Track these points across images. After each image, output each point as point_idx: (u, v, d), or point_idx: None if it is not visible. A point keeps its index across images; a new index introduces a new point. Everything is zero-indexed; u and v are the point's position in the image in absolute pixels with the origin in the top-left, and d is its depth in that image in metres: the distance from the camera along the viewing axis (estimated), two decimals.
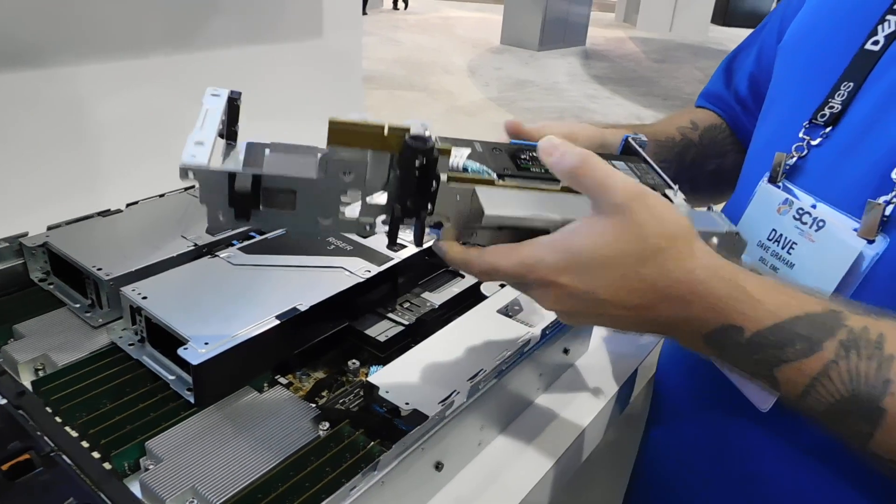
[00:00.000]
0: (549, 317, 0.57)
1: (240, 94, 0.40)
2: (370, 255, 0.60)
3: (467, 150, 0.42)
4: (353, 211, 0.37)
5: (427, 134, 0.35)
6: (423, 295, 0.64)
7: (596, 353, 0.65)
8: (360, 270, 0.57)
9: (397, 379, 0.50)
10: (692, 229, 0.38)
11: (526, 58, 6.75)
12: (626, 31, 9.08)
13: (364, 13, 8.63)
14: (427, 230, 0.40)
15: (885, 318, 0.37)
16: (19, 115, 0.70)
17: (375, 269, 0.58)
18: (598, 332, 0.67)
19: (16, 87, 0.69)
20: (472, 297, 0.65)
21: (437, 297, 0.63)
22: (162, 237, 0.60)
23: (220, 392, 0.48)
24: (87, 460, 0.40)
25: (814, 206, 0.48)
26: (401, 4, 10.13)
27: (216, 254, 0.58)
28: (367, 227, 0.38)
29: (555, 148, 0.38)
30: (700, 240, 0.38)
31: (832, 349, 0.36)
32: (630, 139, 0.53)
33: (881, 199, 0.42)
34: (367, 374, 0.54)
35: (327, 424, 0.47)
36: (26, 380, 0.48)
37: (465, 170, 0.40)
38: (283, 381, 0.53)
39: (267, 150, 0.36)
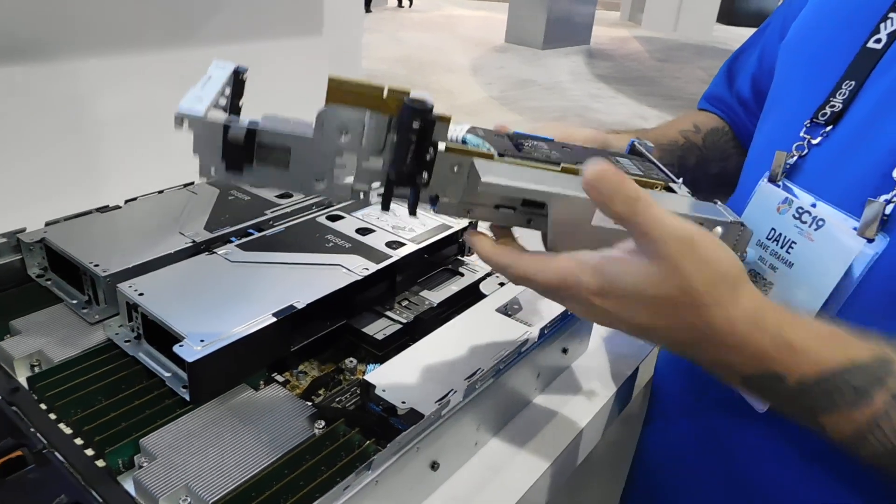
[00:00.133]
0: (548, 316, 0.57)
1: (246, 69, 0.40)
2: (368, 253, 0.60)
3: (467, 126, 0.41)
4: (348, 177, 0.37)
5: (428, 99, 0.35)
6: (421, 293, 0.64)
7: (595, 354, 0.65)
8: (357, 268, 0.57)
9: (394, 377, 0.50)
10: (739, 274, 0.36)
11: (529, 56, 6.73)
12: (630, 31, 9.06)
13: (368, 10, 8.63)
14: (428, 207, 0.39)
15: None
16: (19, 109, 0.70)
17: (373, 267, 0.58)
18: (598, 333, 0.66)
19: (16, 82, 0.69)
20: (471, 296, 0.65)
21: (435, 296, 0.63)
22: (160, 234, 0.60)
23: (216, 389, 0.48)
24: (79, 458, 0.40)
25: (813, 206, 0.47)
26: (405, 2, 10.12)
27: (214, 251, 0.58)
28: (361, 195, 0.37)
29: (605, 182, 0.35)
30: (747, 284, 0.37)
31: (881, 400, 0.35)
32: (636, 143, 0.53)
33: (881, 198, 0.42)
34: (364, 373, 0.54)
35: (323, 423, 0.47)
36: (22, 376, 0.48)
37: (463, 142, 0.40)
38: (279, 378, 0.53)
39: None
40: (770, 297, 0.50)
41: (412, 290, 0.64)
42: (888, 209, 0.42)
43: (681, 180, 0.47)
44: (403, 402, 0.47)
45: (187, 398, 0.47)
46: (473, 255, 0.72)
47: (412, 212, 0.39)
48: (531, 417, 0.56)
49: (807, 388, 0.36)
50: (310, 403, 0.49)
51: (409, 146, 0.35)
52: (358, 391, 0.51)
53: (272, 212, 0.67)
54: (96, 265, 0.53)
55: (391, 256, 0.60)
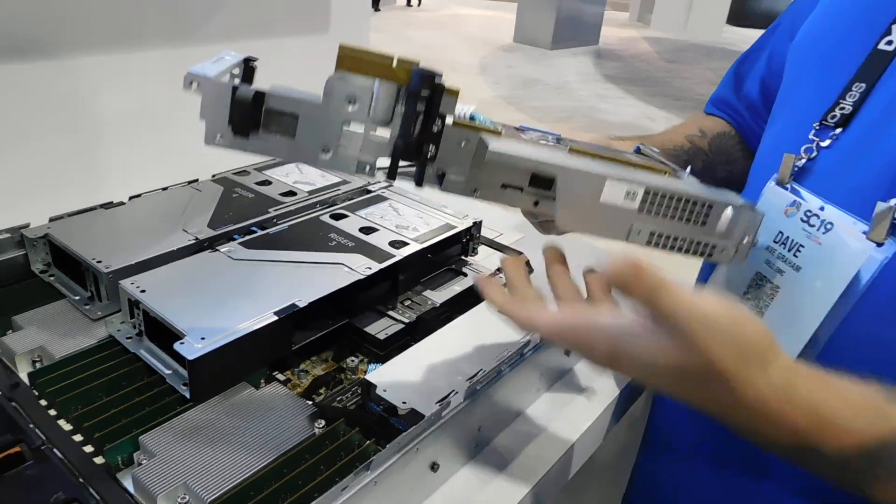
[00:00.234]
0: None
1: (256, 58, 0.39)
2: (371, 252, 0.60)
3: (474, 106, 0.41)
4: (354, 149, 0.36)
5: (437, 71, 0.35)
6: (424, 293, 0.63)
7: None
8: (360, 267, 0.57)
9: (395, 377, 0.49)
10: (769, 347, 0.34)
11: (538, 56, 6.72)
12: (639, 31, 9.02)
13: (377, 9, 8.63)
14: (435, 186, 0.39)
15: None
16: (25, 106, 0.70)
17: (376, 267, 0.58)
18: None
19: (22, 79, 0.69)
20: (473, 297, 0.64)
21: (438, 296, 0.63)
22: (163, 230, 0.60)
23: (216, 387, 0.48)
24: (77, 455, 0.40)
25: (822, 209, 0.47)
26: (413, 1, 10.12)
27: (217, 248, 0.58)
28: (367, 168, 0.36)
29: (626, 270, 0.33)
30: (778, 356, 0.34)
31: None
32: (641, 148, 0.52)
33: (892, 202, 0.41)
34: (365, 372, 0.54)
35: (323, 422, 0.47)
36: (23, 371, 0.48)
37: (472, 118, 0.39)
38: (280, 377, 0.52)
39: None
40: (777, 302, 0.49)
41: (415, 289, 0.63)
42: None
43: (688, 169, 0.47)
44: (404, 403, 0.47)
45: (187, 396, 0.47)
46: (477, 255, 0.71)
47: (419, 183, 0.38)
48: (533, 419, 0.55)
49: (848, 460, 0.35)
50: (310, 402, 0.49)
51: (418, 115, 0.35)
52: (359, 391, 0.51)
53: (276, 210, 0.67)
54: (99, 261, 0.53)
55: (394, 256, 0.60)
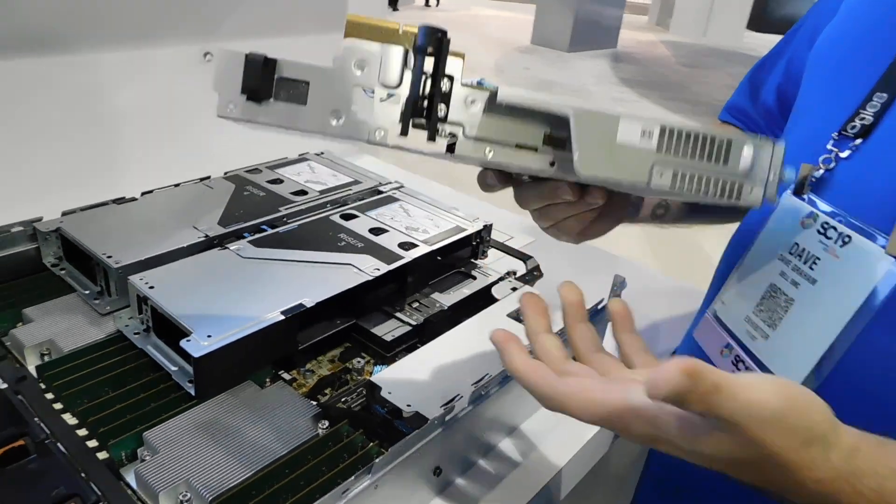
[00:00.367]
0: (560, 324, 0.56)
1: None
2: (380, 254, 0.59)
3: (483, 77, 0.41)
4: (365, 114, 0.36)
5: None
6: (432, 295, 0.63)
7: None
8: (368, 268, 0.57)
9: (400, 380, 0.49)
10: (831, 431, 0.32)
11: (554, 59, 6.69)
12: (658, 35, 8.96)
13: (395, 9, 8.65)
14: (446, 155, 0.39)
15: None
16: (41, 101, 0.71)
17: (385, 268, 0.57)
18: (610, 340, 0.65)
19: (37, 73, 0.69)
20: (482, 300, 0.64)
21: (446, 299, 0.63)
22: (173, 227, 0.60)
23: (221, 385, 0.48)
24: (80, 450, 0.40)
25: (840, 221, 0.46)
26: (432, 1, 10.13)
27: (226, 246, 0.58)
28: (378, 134, 0.36)
29: (691, 375, 0.29)
30: (840, 440, 0.32)
31: None
32: None
33: None
34: (371, 373, 0.54)
35: (326, 423, 0.47)
36: (32, 364, 0.49)
37: (479, 84, 0.39)
38: (286, 376, 0.52)
39: None
40: (791, 315, 0.48)
41: (423, 291, 0.63)
42: None
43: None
44: (409, 406, 0.47)
45: (192, 393, 0.47)
46: (487, 258, 0.71)
47: (431, 137, 0.37)
48: (539, 425, 0.55)
49: None
50: (315, 403, 0.49)
51: (424, 73, 0.35)
52: (364, 392, 0.51)
53: (286, 208, 0.67)
54: (109, 256, 0.54)
55: (403, 258, 0.59)
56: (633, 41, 8.12)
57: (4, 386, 0.42)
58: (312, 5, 0.93)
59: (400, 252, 0.60)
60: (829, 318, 0.45)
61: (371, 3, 1.04)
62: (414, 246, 0.62)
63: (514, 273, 0.69)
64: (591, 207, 0.46)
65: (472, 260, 0.70)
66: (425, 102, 0.36)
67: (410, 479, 0.43)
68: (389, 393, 0.48)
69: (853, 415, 0.35)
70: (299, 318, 0.51)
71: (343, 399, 0.51)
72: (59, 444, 0.39)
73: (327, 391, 0.52)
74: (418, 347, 0.54)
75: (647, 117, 0.38)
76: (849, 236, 0.45)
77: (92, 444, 0.42)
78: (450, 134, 0.37)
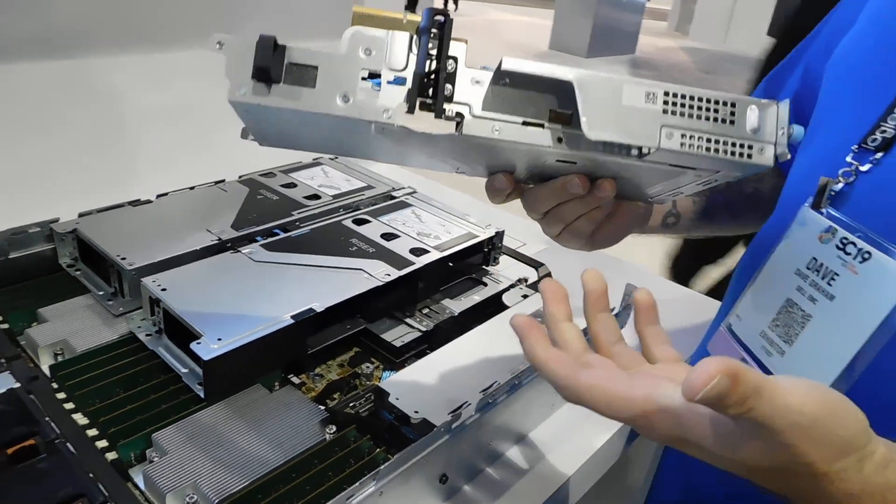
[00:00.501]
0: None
1: None
2: (391, 259, 0.59)
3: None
4: (371, 97, 0.37)
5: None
6: (443, 302, 0.63)
7: None
8: (379, 274, 0.57)
9: (409, 386, 0.49)
10: (866, 444, 0.31)
11: (573, 64, 6.65)
12: (677, 41, 8.90)
13: (413, 13, 8.69)
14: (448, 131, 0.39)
15: None
16: (60, 103, 0.72)
17: (395, 274, 0.57)
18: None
19: (58, 77, 0.71)
20: (493, 307, 0.64)
21: (457, 305, 0.62)
22: (187, 229, 0.61)
23: (230, 388, 0.48)
24: (89, 450, 0.40)
25: (859, 236, 0.45)
26: (451, 5, 10.17)
27: (238, 249, 0.58)
28: (385, 114, 0.37)
29: (731, 376, 0.27)
30: (875, 452, 0.31)
31: None
32: None
33: None
34: (380, 379, 0.54)
35: (334, 428, 0.47)
36: (45, 363, 0.49)
37: (483, 69, 0.40)
38: (295, 380, 0.52)
39: None
40: (808, 331, 0.47)
41: (434, 297, 0.63)
42: None
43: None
44: (416, 412, 0.47)
45: (202, 395, 0.47)
46: (498, 265, 0.71)
47: (438, 115, 0.37)
48: (548, 433, 0.54)
49: None
50: (323, 407, 0.49)
51: (430, 55, 0.36)
52: (372, 397, 0.51)
53: (299, 213, 0.68)
54: (123, 258, 0.54)
55: (414, 263, 0.59)
56: (652, 47, 8.07)
57: (17, 385, 0.43)
58: (328, 11, 0.94)
59: (411, 258, 0.60)
60: (847, 335, 0.44)
61: (388, 6, 1.04)
62: (425, 252, 0.62)
63: (526, 280, 0.69)
64: (600, 203, 0.45)
65: (484, 266, 0.69)
66: (431, 82, 0.36)
67: (416, 487, 0.43)
68: (397, 399, 0.48)
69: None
70: (309, 323, 0.51)
71: (351, 404, 0.51)
72: (68, 444, 0.39)
73: (336, 396, 0.52)
74: (427, 353, 0.54)
75: (649, 82, 0.38)
76: (868, 252, 0.44)
77: (101, 444, 0.43)
78: (457, 113, 0.37)
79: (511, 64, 0.36)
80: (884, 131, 0.45)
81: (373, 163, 0.93)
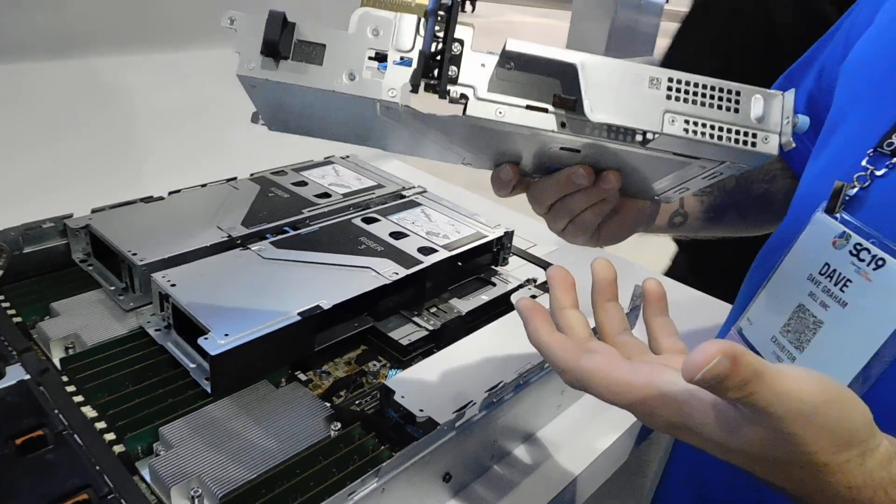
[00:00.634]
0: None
1: None
2: (400, 258, 0.60)
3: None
4: (377, 76, 0.37)
5: None
6: (451, 301, 0.63)
7: None
8: (387, 272, 0.57)
9: (415, 384, 0.49)
10: (868, 437, 0.31)
11: None
12: None
13: None
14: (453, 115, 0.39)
15: None
16: (76, 101, 0.73)
17: (403, 272, 0.57)
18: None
19: (74, 75, 0.72)
20: (501, 307, 0.64)
21: (464, 305, 0.62)
22: (198, 226, 0.61)
23: (237, 384, 0.49)
24: (97, 442, 0.41)
25: (874, 242, 0.44)
26: (468, 7, 10.16)
27: (248, 246, 0.59)
28: (389, 93, 0.37)
29: (731, 359, 0.27)
30: (878, 446, 0.31)
31: None
32: None
33: None
34: (386, 377, 0.54)
35: (339, 425, 0.47)
36: (56, 356, 0.50)
37: (489, 53, 0.40)
38: (302, 377, 0.53)
39: None
40: (820, 337, 0.47)
41: (442, 297, 0.63)
42: None
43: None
44: (421, 411, 0.47)
45: (209, 390, 0.47)
46: (508, 265, 0.71)
47: (443, 96, 0.38)
48: (556, 432, 0.54)
49: None
50: (328, 404, 0.49)
51: (436, 37, 0.36)
52: (378, 395, 0.51)
53: (309, 211, 0.68)
54: (134, 254, 0.55)
55: (422, 262, 0.59)
56: None
57: (27, 377, 0.44)
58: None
59: (419, 257, 0.60)
60: (859, 343, 0.43)
61: None
62: (433, 251, 0.62)
63: (535, 281, 0.68)
64: (605, 196, 0.45)
65: (493, 266, 0.69)
66: (437, 64, 0.36)
67: (419, 485, 0.43)
68: (403, 397, 0.48)
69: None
70: (316, 320, 0.51)
71: (357, 402, 0.51)
72: (75, 436, 0.40)
73: (342, 393, 0.52)
74: (434, 353, 0.54)
75: (654, 68, 0.38)
76: (882, 259, 0.43)
77: (109, 437, 0.43)
78: (461, 95, 0.37)
79: (515, 46, 0.36)
80: None
81: (384, 162, 0.93)
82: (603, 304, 0.41)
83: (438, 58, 0.36)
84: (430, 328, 0.59)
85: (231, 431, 0.45)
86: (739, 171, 0.41)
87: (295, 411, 0.48)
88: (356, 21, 0.36)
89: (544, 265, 0.71)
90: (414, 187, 0.77)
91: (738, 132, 0.39)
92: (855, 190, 0.46)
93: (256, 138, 0.73)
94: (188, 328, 0.50)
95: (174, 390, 0.48)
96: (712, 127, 0.38)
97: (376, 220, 0.67)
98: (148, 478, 0.42)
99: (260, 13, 0.35)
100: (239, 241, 0.61)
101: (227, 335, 0.47)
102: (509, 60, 0.37)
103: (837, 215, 0.48)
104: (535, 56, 0.37)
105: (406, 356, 0.56)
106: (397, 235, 0.64)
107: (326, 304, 0.52)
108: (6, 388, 0.43)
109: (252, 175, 0.75)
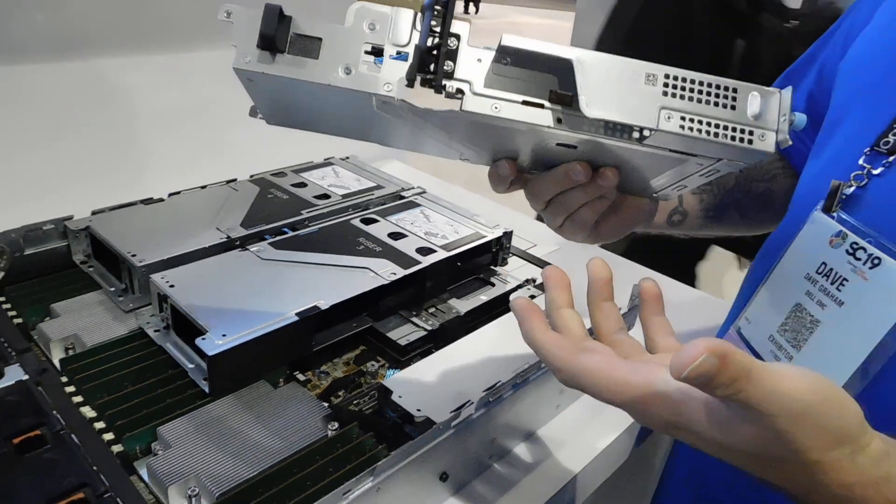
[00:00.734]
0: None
1: None
2: (398, 258, 0.60)
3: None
4: (373, 70, 0.37)
5: None
6: (449, 301, 0.63)
7: None
8: (385, 272, 0.57)
9: (412, 384, 0.49)
10: (860, 435, 0.31)
11: None
12: None
13: None
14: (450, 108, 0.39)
15: None
16: (77, 103, 0.74)
17: (401, 273, 0.58)
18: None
19: (73, 77, 0.72)
20: (500, 307, 0.64)
21: (463, 305, 0.63)
22: (197, 227, 0.62)
23: (235, 384, 0.49)
24: (94, 442, 0.41)
25: (870, 241, 0.44)
26: (471, 9, 10.16)
27: (247, 247, 0.59)
28: (385, 87, 0.37)
29: (720, 357, 0.27)
30: (870, 442, 0.31)
31: None
32: None
33: None
34: (384, 377, 0.54)
35: (336, 424, 0.47)
36: (56, 357, 0.50)
37: (486, 49, 0.40)
38: (301, 377, 0.53)
39: None
40: (817, 336, 0.46)
41: (441, 297, 0.63)
42: None
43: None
44: (419, 410, 0.47)
45: (207, 390, 0.48)
46: (507, 265, 0.71)
47: (438, 90, 0.38)
48: (553, 433, 0.54)
49: None
50: (326, 404, 0.50)
51: (433, 32, 0.36)
52: (376, 395, 0.51)
53: (308, 212, 0.68)
54: (133, 255, 0.55)
55: (420, 263, 0.60)
56: None
57: (26, 377, 0.44)
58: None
59: (417, 257, 0.60)
60: (855, 342, 0.43)
61: None
62: (432, 251, 0.62)
63: (534, 281, 0.68)
64: (603, 192, 0.45)
65: (492, 267, 0.69)
66: (433, 58, 0.36)
67: (415, 484, 0.43)
68: (400, 397, 0.48)
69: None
70: (314, 321, 0.51)
71: (355, 402, 0.51)
72: (73, 436, 0.40)
73: (340, 393, 0.52)
74: (433, 352, 0.54)
75: (651, 64, 0.38)
76: (879, 258, 0.43)
77: (108, 436, 0.44)
78: (457, 90, 0.37)
79: (512, 41, 0.36)
80: None
81: (384, 163, 0.94)
82: (599, 304, 0.41)
83: (435, 52, 0.36)
84: (429, 328, 0.59)
85: (228, 431, 0.45)
86: (737, 168, 0.40)
87: (292, 411, 0.48)
88: (353, 15, 0.36)
89: (544, 266, 0.71)
90: (413, 188, 0.77)
91: (734, 129, 0.38)
92: (852, 189, 0.46)
93: (257, 140, 0.74)
94: (187, 329, 0.50)
95: (173, 390, 0.48)
96: (709, 124, 0.38)
97: (375, 220, 0.67)
98: (146, 477, 0.42)
99: (257, 7, 0.35)
100: (238, 243, 0.61)
101: (224, 335, 0.47)
102: (506, 56, 0.37)
103: (834, 214, 0.47)
104: (532, 51, 0.37)
105: (404, 356, 0.56)
106: (396, 236, 0.64)
107: (324, 305, 0.52)
108: (5, 388, 0.43)
109: (252, 177, 0.75)
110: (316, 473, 0.43)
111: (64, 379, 0.47)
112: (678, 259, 0.63)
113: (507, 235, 0.69)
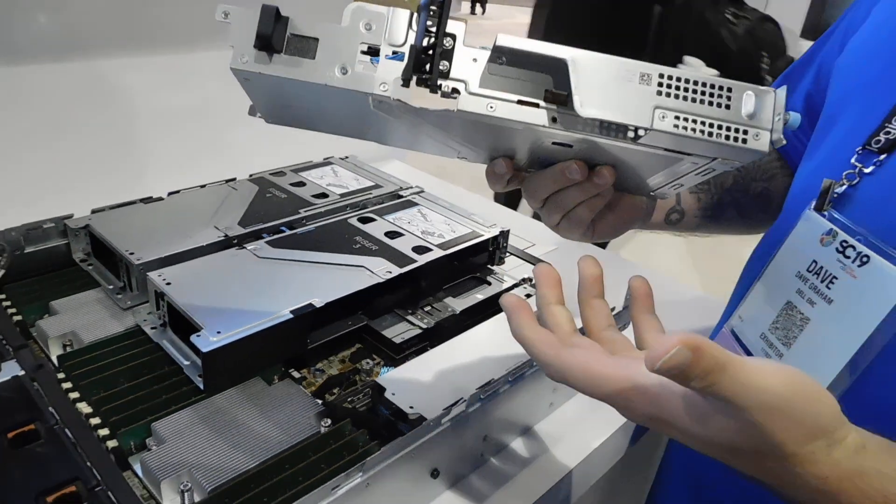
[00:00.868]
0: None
1: None
2: (394, 257, 0.60)
3: None
4: (369, 70, 0.37)
5: None
6: (445, 300, 0.63)
7: None
8: (381, 271, 0.58)
9: (406, 382, 0.50)
10: (838, 427, 0.31)
11: None
12: None
13: None
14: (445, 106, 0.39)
15: None
16: (77, 103, 0.74)
17: (396, 271, 0.58)
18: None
19: (73, 77, 0.73)
20: (495, 306, 0.64)
21: (458, 304, 0.63)
22: (196, 226, 0.62)
23: (229, 381, 0.49)
24: (87, 437, 0.41)
25: (860, 240, 0.44)
26: (478, 9, 10.16)
27: (244, 245, 0.60)
28: (381, 86, 0.37)
29: (693, 350, 0.28)
30: (847, 436, 0.31)
31: None
32: None
33: None
34: (379, 375, 0.54)
35: (329, 421, 0.48)
36: (54, 353, 0.51)
37: (482, 48, 0.40)
38: (296, 374, 0.53)
39: None
40: (807, 334, 0.46)
41: (436, 296, 0.64)
42: None
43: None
44: (412, 408, 0.47)
45: (202, 387, 0.48)
46: (504, 264, 0.71)
47: (434, 90, 0.38)
48: (548, 430, 0.54)
49: None
50: (320, 401, 0.50)
51: (428, 32, 0.36)
52: (371, 393, 0.52)
53: (306, 211, 0.69)
54: (131, 253, 0.56)
55: (416, 261, 0.60)
56: None
57: (22, 373, 0.45)
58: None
59: (413, 256, 0.61)
60: (843, 340, 0.43)
61: None
62: (428, 250, 0.62)
63: (530, 280, 0.69)
64: (600, 190, 0.45)
65: (489, 266, 0.70)
66: (429, 58, 0.37)
67: (405, 480, 0.43)
68: (394, 394, 0.48)
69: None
70: (308, 318, 0.52)
71: (349, 399, 0.51)
72: (67, 431, 0.41)
73: (335, 391, 0.53)
74: (427, 351, 0.55)
75: (646, 63, 0.38)
76: (867, 256, 0.43)
77: (104, 432, 0.44)
78: (453, 90, 0.37)
79: (507, 41, 0.37)
80: (888, 133, 0.44)
81: (383, 163, 0.94)
82: (589, 301, 0.41)
83: (430, 52, 0.37)
84: (424, 326, 0.59)
85: (222, 427, 0.46)
86: (732, 167, 0.41)
87: (286, 408, 0.48)
88: (349, 15, 0.37)
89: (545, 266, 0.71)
90: (411, 187, 0.78)
91: (728, 128, 0.39)
92: (844, 188, 0.46)
93: (256, 139, 0.75)
94: (183, 326, 0.51)
95: (168, 387, 0.49)
96: (703, 123, 0.38)
97: (372, 219, 0.67)
98: (140, 472, 0.42)
99: (254, 7, 0.36)
100: (235, 241, 0.62)
101: (219, 332, 0.47)
102: (501, 55, 0.37)
103: (825, 213, 0.48)
104: (526, 51, 0.37)
105: (399, 354, 0.57)
106: (392, 235, 0.65)
107: (319, 303, 0.52)
108: (0, 384, 0.44)
109: (251, 176, 0.75)
110: (308, 469, 0.43)
111: (61, 375, 0.48)
112: None
113: (504, 235, 0.69)
